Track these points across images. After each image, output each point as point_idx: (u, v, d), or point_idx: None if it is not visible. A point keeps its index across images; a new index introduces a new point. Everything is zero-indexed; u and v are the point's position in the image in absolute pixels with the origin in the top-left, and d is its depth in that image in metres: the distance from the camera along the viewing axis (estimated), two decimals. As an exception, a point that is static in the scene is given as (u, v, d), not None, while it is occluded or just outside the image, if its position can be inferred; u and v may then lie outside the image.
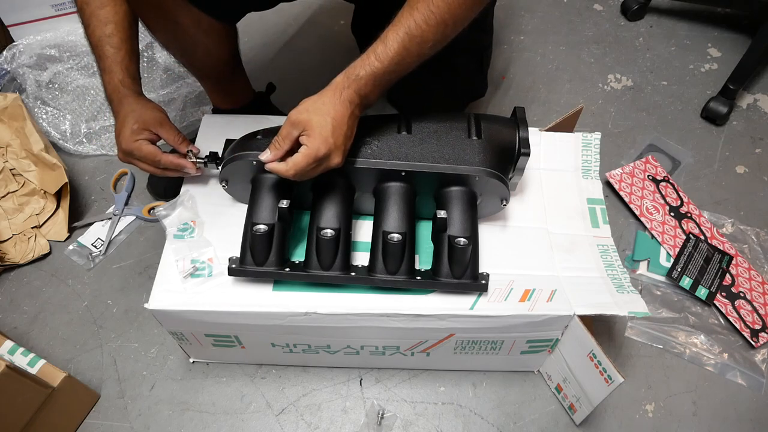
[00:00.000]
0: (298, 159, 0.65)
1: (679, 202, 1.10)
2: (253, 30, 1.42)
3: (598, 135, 0.90)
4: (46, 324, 0.96)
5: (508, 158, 0.76)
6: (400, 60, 0.65)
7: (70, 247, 1.05)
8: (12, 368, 0.69)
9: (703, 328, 0.96)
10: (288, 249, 0.77)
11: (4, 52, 1.23)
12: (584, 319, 0.73)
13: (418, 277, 0.73)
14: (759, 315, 0.97)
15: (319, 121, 0.64)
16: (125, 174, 1.14)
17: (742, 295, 0.99)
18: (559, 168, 0.90)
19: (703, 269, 1.00)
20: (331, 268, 0.72)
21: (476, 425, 0.87)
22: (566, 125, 0.93)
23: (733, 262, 1.02)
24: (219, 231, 0.80)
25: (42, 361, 0.78)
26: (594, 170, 0.89)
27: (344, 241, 0.73)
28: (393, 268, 0.72)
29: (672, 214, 1.09)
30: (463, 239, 0.71)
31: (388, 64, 0.65)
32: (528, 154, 0.74)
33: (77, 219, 1.08)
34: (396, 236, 0.71)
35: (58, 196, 1.07)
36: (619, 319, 0.96)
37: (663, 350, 0.94)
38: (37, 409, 0.76)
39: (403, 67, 0.66)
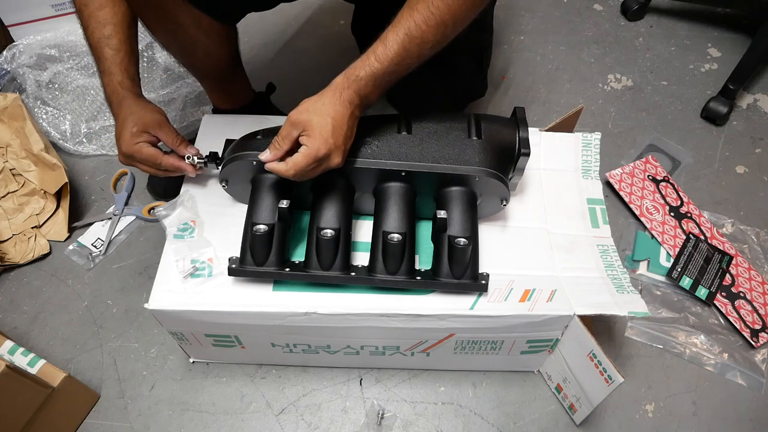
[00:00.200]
0: (298, 159, 0.65)
1: (679, 202, 1.10)
2: (253, 30, 1.42)
3: (598, 135, 0.90)
4: (46, 324, 0.96)
5: (508, 158, 0.76)
6: (399, 61, 0.65)
7: (70, 247, 1.05)
8: (12, 368, 0.69)
9: (703, 328, 0.96)
10: (288, 249, 0.77)
11: (4, 52, 1.23)
12: (584, 319, 0.73)
13: (418, 277, 0.73)
14: (759, 315, 0.97)
15: (319, 121, 0.64)
16: (125, 174, 1.14)
17: (742, 295, 0.99)
18: (559, 168, 0.90)
19: (703, 269, 1.00)
20: (331, 268, 0.72)
21: (476, 425, 0.87)
22: (566, 125, 0.93)
23: (733, 262, 1.02)
24: (219, 231, 0.80)
25: (42, 361, 0.78)
26: (594, 170, 0.89)
27: (344, 241, 0.73)
28: (393, 268, 0.72)
29: (672, 214, 1.09)
30: (463, 239, 0.71)
31: (388, 64, 0.65)
32: (528, 154, 0.74)
33: (77, 219, 1.09)
34: (396, 236, 0.71)
35: (58, 196, 1.07)
36: (619, 319, 0.96)
37: (663, 350, 0.94)
38: (37, 409, 0.76)
39: (403, 68, 0.66)
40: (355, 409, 0.88)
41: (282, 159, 0.67)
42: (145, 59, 1.23)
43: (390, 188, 0.75)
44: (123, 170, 1.14)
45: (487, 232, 0.81)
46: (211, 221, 0.81)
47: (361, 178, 0.75)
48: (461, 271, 0.72)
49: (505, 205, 0.78)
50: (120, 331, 0.95)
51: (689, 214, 1.09)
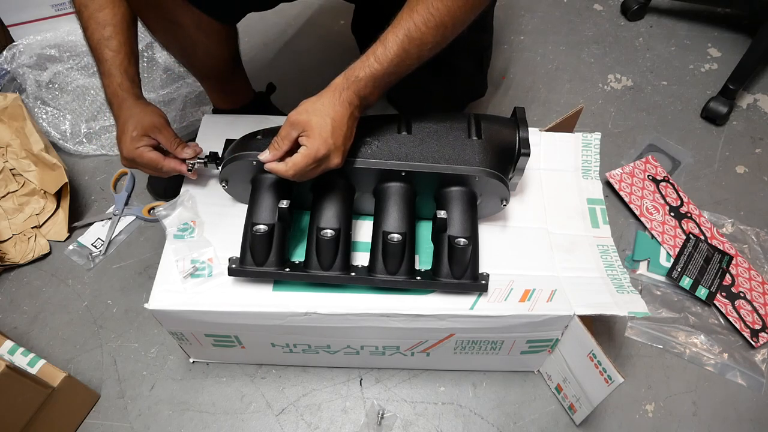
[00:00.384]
0: (298, 159, 0.65)
1: (679, 202, 1.10)
2: (253, 30, 1.42)
3: (598, 135, 0.90)
4: (46, 324, 0.96)
5: (508, 158, 0.76)
6: (399, 62, 0.65)
7: (70, 247, 1.05)
8: (12, 368, 0.69)
9: (703, 328, 0.96)
10: (288, 249, 0.77)
11: (4, 52, 1.23)
12: (584, 319, 0.73)
13: (418, 277, 0.73)
14: (759, 315, 0.97)
15: (318, 121, 0.64)
16: (125, 174, 1.14)
17: (742, 295, 0.99)
18: (559, 168, 0.90)
19: (703, 269, 1.00)
20: (331, 268, 0.72)
21: (476, 425, 0.87)
22: (566, 125, 0.93)
23: (733, 262, 1.02)
24: (219, 231, 0.80)
25: (42, 361, 0.78)
26: (594, 170, 0.89)
27: (344, 241, 0.73)
28: (393, 269, 0.72)
29: (672, 214, 1.09)
30: (463, 239, 0.71)
31: (388, 65, 0.65)
32: (528, 155, 0.74)
33: (77, 219, 1.09)
34: (396, 236, 0.71)
35: (58, 196, 1.07)
36: (619, 319, 0.96)
37: (663, 350, 0.94)
38: (37, 409, 0.76)
39: (403, 69, 0.67)
40: (355, 409, 0.88)
41: (282, 159, 0.67)
42: (145, 59, 1.24)
43: (390, 188, 0.75)
44: (123, 170, 1.14)
45: (487, 232, 0.81)
46: (211, 221, 0.81)
47: (361, 178, 0.75)
48: (461, 271, 0.72)
49: (505, 205, 0.78)
50: (120, 331, 0.95)
51: (689, 214, 1.09)
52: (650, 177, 1.13)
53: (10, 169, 1.09)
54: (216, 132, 0.89)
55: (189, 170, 0.79)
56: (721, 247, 1.04)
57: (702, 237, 1.05)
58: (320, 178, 0.71)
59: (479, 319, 0.73)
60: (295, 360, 0.89)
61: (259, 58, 1.38)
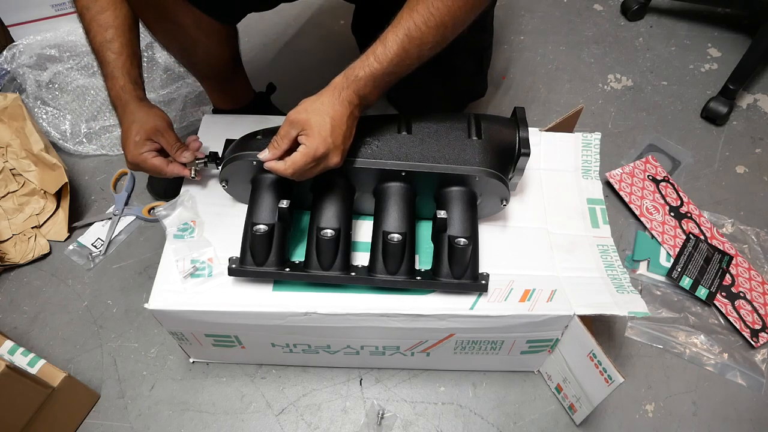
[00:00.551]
0: (297, 158, 0.65)
1: (679, 202, 1.10)
2: (253, 30, 1.42)
3: (598, 135, 0.90)
4: (46, 324, 0.96)
5: (508, 158, 0.76)
6: (399, 61, 0.65)
7: (70, 247, 1.05)
8: (12, 368, 0.69)
9: (703, 328, 0.96)
10: (288, 249, 0.77)
11: (4, 52, 1.23)
12: (584, 319, 0.73)
13: (418, 277, 0.73)
14: (759, 315, 0.97)
15: (317, 120, 0.64)
16: (125, 174, 1.14)
17: (742, 295, 0.99)
18: (559, 168, 0.90)
19: (703, 269, 1.00)
20: (331, 268, 0.72)
21: (476, 425, 0.87)
22: (566, 125, 0.93)
23: (733, 262, 1.02)
24: (219, 231, 0.80)
25: (42, 361, 0.78)
26: (594, 170, 0.89)
27: (344, 241, 0.73)
28: (393, 269, 0.72)
29: (672, 214, 1.09)
30: (463, 239, 0.71)
31: (387, 65, 0.65)
32: (528, 155, 0.74)
33: (77, 219, 1.09)
34: (396, 236, 0.71)
35: (58, 196, 1.07)
36: (619, 319, 0.96)
37: (663, 350, 0.94)
38: (37, 409, 0.76)
39: (403, 69, 0.67)
40: (355, 409, 0.88)
41: (281, 158, 0.67)
42: (145, 59, 1.23)
43: (390, 188, 0.75)
44: (123, 170, 1.14)
45: (487, 232, 0.81)
46: (211, 221, 0.81)
47: (361, 178, 0.75)
48: (461, 271, 0.72)
49: (505, 205, 0.78)
50: (120, 331, 0.95)
51: (689, 214, 1.09)
52: (650, 177, 1.13)
53: (10, 169, 1.09)
54: (216, 132, 0.89)
55: (192, 177, 0.80)
56: (721, 247, 1.04)
57: (702, 237, 1.05)
58: (320, 178, 0.71)
59: (479, 319, 0.73)
60: (295, 360, 0.89)
61: (259, 58, 1.38)
